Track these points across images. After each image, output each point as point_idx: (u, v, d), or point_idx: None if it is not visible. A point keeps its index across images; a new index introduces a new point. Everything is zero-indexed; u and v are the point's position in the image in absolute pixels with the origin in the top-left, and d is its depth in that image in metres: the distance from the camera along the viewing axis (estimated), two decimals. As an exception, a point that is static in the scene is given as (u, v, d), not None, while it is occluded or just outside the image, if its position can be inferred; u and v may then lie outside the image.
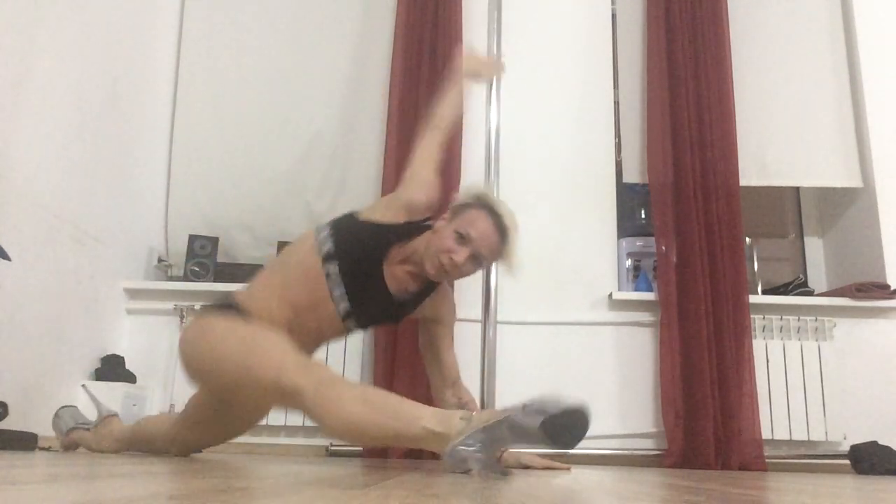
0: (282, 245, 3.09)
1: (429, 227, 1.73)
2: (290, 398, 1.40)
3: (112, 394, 2.65)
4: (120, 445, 2.03)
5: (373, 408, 1.37)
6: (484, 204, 1.71)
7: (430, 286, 1.82)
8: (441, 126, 1.88)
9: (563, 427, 1.26)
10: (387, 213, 1.72)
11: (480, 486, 1.06)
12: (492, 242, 1.68)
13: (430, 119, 1.93)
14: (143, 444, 2.00)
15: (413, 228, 1.73)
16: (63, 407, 2.14)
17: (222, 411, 1.77)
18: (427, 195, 1.75)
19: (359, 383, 1.45)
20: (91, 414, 2.16)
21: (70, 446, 2.08)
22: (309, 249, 1.68)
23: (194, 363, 1.58)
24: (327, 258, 1.64)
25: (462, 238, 1.65)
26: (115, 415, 2.11)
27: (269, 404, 1.52)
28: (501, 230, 1.69)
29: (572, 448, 1.27)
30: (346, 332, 1.78)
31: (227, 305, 1.67)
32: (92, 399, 2.13)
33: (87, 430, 2.06)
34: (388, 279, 1.70)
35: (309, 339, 1.71)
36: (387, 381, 2.65)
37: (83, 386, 2.15)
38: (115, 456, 1.83)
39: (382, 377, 2.67)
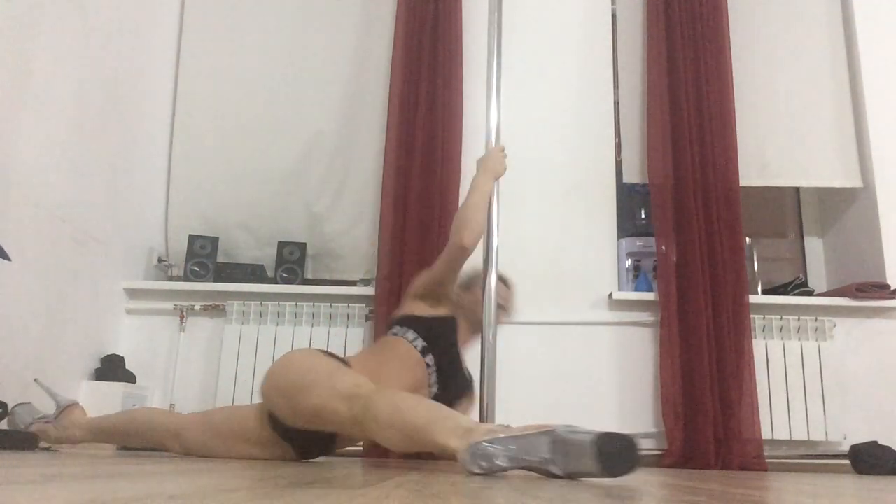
0: (282, 245, 3.09)
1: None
2: (354, 401, 1.52)
3: (112, 394, 2.65)
4: (92, 435, 2.00)
5: (415, 401, 1.50)
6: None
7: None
8: (467, 250, 1.97)
9: (616, 450, 1.22)
10: (438, 310, 2.03)
11: (480, 485, 1.06)
12: (501, 287, 2.13)
13: (460, 231, 1.96)
14: (126, 434, 1.96)
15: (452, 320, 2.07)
16: (18, 405, 2.08)
17: (264, 434, 1.79)
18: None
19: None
20: (48, 408, 2.11)
21: None
22: (405, 345, 1.94)
23: (284, 373, 1.71)
24: (424, 352, 1.93)
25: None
26: (76, 404, 2.09)
27: (333, 414, 1.56)
28: (503, 280, 2.16)
29: (617, 476, 1.23)
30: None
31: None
32: (48, 392, 2.10)
33: (48, 422, 2.03)
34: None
35: None
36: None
37: (35, 380, 2.14)
38: (114, 456, 1.83)
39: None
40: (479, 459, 1.29)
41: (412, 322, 1.98)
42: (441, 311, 2.03)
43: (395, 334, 1.98)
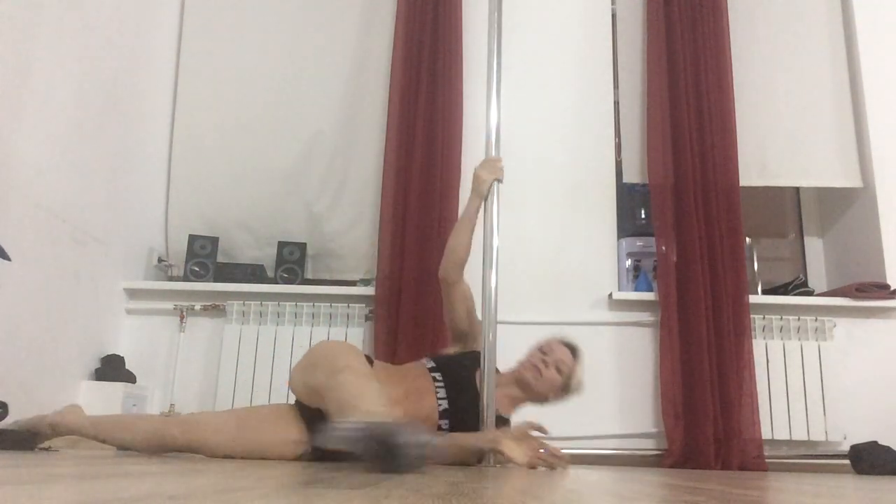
0: (282, 245, 3.09)
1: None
2: (340, 374, 1.60)
3: (112, 394, 2.65)
4: (90, 423, 1.98)
5: (358, 380, 1.58)
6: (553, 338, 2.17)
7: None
8: (459, 276, 2.10)
9: (384, 451, 1.26)
10: (467, 346, 2.16)
11: (481, 485, 1.06)
12: (565, 353, 2.07)
13: (449, 263, 2.09)
14: (124, 428, 1.94)
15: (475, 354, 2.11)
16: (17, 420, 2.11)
17: (283, 408, 1.92)
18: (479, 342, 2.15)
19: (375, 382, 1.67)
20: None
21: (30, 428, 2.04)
22: (417, 364, 2.06)
23: (311, 352, 1.84)
24: (432, 369, 2.01)
25: (544, 352, 2.09)
26: (77, 406, 2.09)
27: (325, 390, 1.65)
28: (570, 348, 2.10)
29: (384, 471, 1.25)
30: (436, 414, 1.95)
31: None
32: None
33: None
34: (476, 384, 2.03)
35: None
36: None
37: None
38: (114, 456, 1.83)
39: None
40: (327, 435, 1.34)
41: (432, 354, 2.13)
42: (467, 349, 2.15)
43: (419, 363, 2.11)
